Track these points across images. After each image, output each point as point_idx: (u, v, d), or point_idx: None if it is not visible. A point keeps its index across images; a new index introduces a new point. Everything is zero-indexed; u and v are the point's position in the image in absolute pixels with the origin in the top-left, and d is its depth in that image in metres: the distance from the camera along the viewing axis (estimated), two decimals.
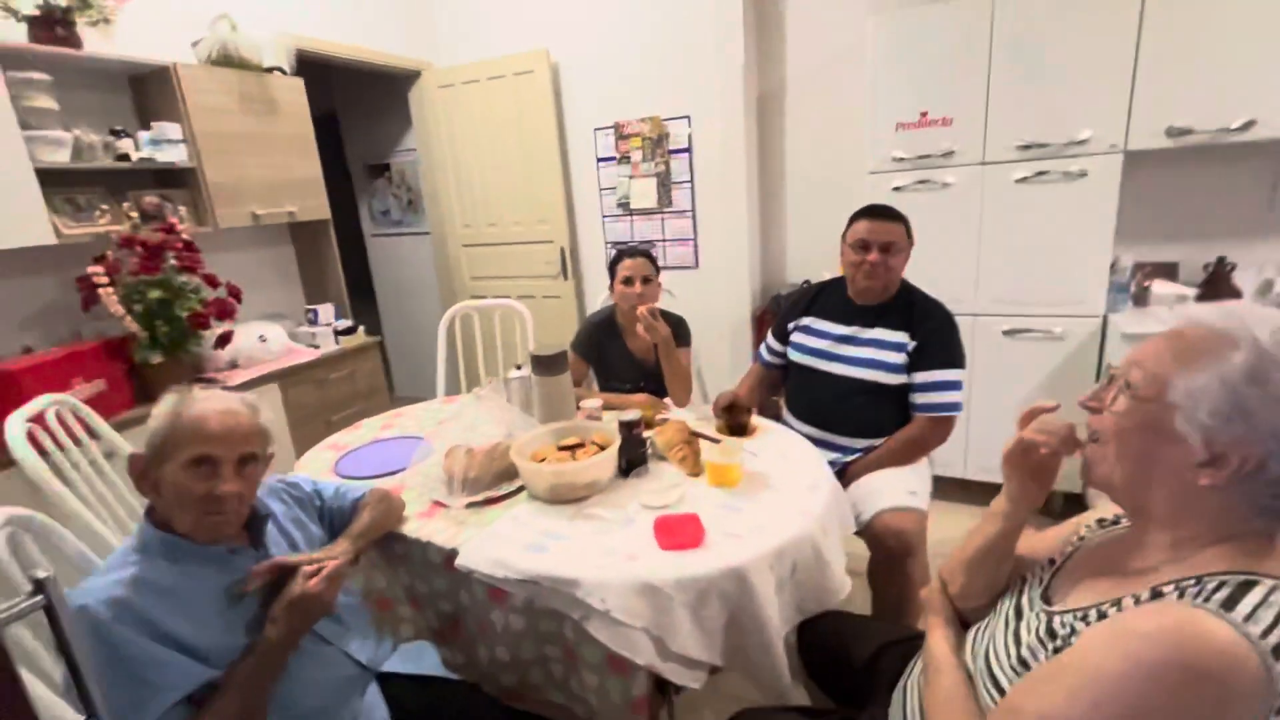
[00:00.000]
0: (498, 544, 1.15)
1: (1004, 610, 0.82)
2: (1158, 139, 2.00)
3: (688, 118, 2.93)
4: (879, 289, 1.63)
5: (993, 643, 0.79)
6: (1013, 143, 2.15)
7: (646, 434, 1.47)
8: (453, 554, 1.15)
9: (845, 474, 1.63)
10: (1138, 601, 0.65)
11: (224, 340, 2.24)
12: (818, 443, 1.60)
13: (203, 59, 2.34)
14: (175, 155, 2.18)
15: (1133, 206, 2.23)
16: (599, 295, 2.23)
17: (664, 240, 3.13)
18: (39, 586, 0.36)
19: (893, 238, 1.59)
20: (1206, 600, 0.59)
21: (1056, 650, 0.69)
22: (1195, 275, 2.26)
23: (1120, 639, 0.60)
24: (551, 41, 3.09)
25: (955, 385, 1.58)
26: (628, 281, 1.85)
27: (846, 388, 1.65)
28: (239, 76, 2.37)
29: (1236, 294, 2.14)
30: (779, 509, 1.22)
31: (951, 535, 0.96)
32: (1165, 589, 0.63)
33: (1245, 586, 0.58)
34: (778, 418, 1.81)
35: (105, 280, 1.93)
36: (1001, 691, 0.72)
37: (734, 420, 1.59)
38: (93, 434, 1.53)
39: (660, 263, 2.00)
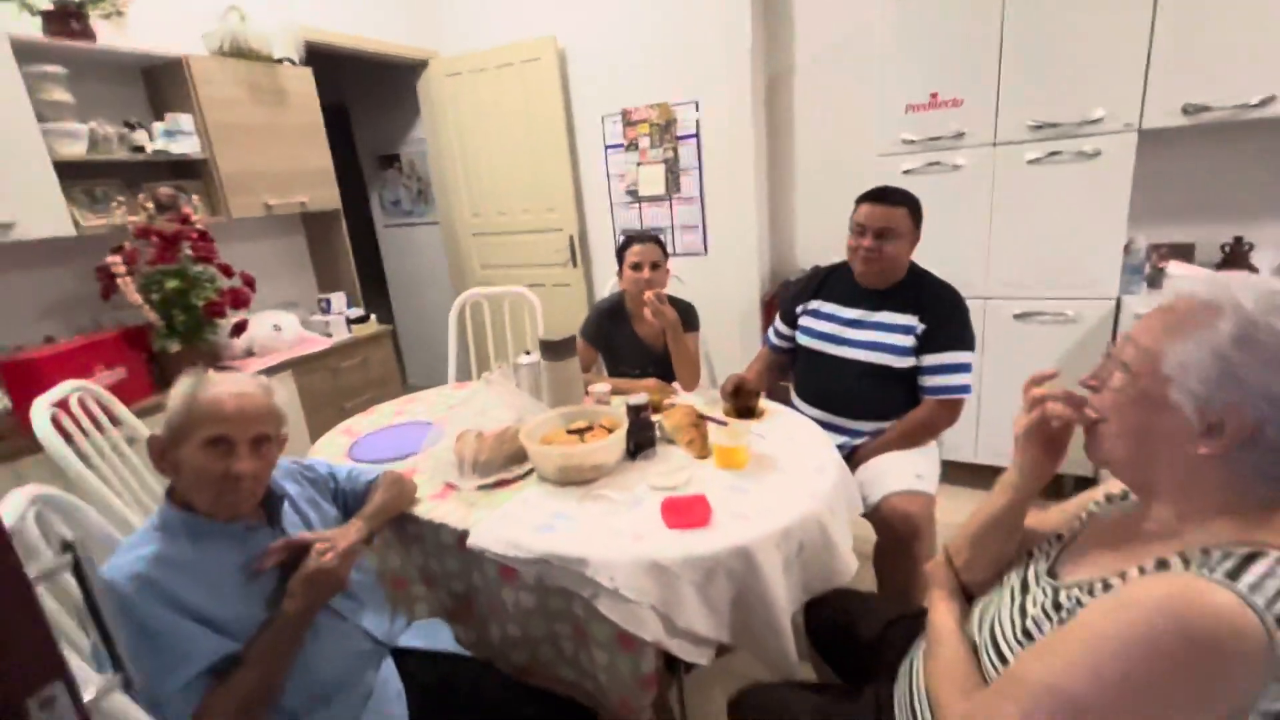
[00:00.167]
0: (508, 525, 1.17)
1: (1010, 584, 0.83)
2: (1173, 117, 1.97)
3: (695, 103, 2.91)
4: (874, 274, 1.63)
5: (998, 615, 0.79)
6: (1024, 123, 2.12)
7: (654, 417, 1.48)
8: (464, 534, 1.17)
9: (853, 457, 1.64)
10: (1142, 573, 0.65)
11: (239, 329, 2.28)
12: (826, 426, 1.61)
13: (213, 50, 2.36)
14: (188, 146, 2.20)
15: (1147, 187, 2.19)
16: (608, 283, 2.23)
17: (673, 227, 3.13)
18: (67, 547, 0.38)
19: (889, 223, 1.57)
20: (1211, 571, 0.59)
21: (1062, 622, 0.69)
22: (1212, 256, 2.23)
23: (1123, 608, 0.60)
24: (558, 28, 3.08)
25: (964, 368, 1.58)
26: (636, 267, 1.85)
27: (854, 371, 1.65)
28: (249, 67, 2.39)
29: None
30: (786, 490, 1.23)
31: (960, 519, 0.96)
32: (1170, 560, 0.64)
33: (1251, 558, 0.59)
34: (786, 402, 1.81)
35: (123, 270, 1.97)
36: (1006, 662, 0.73)
37: (742, 404, 1.60)
38: (114, 420, 1.56)
39: (669, 250, 2.01)
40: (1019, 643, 0.73)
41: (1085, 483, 2.24)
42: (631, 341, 1.97)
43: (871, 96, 2.38)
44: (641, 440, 1.40)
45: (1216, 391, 0.61)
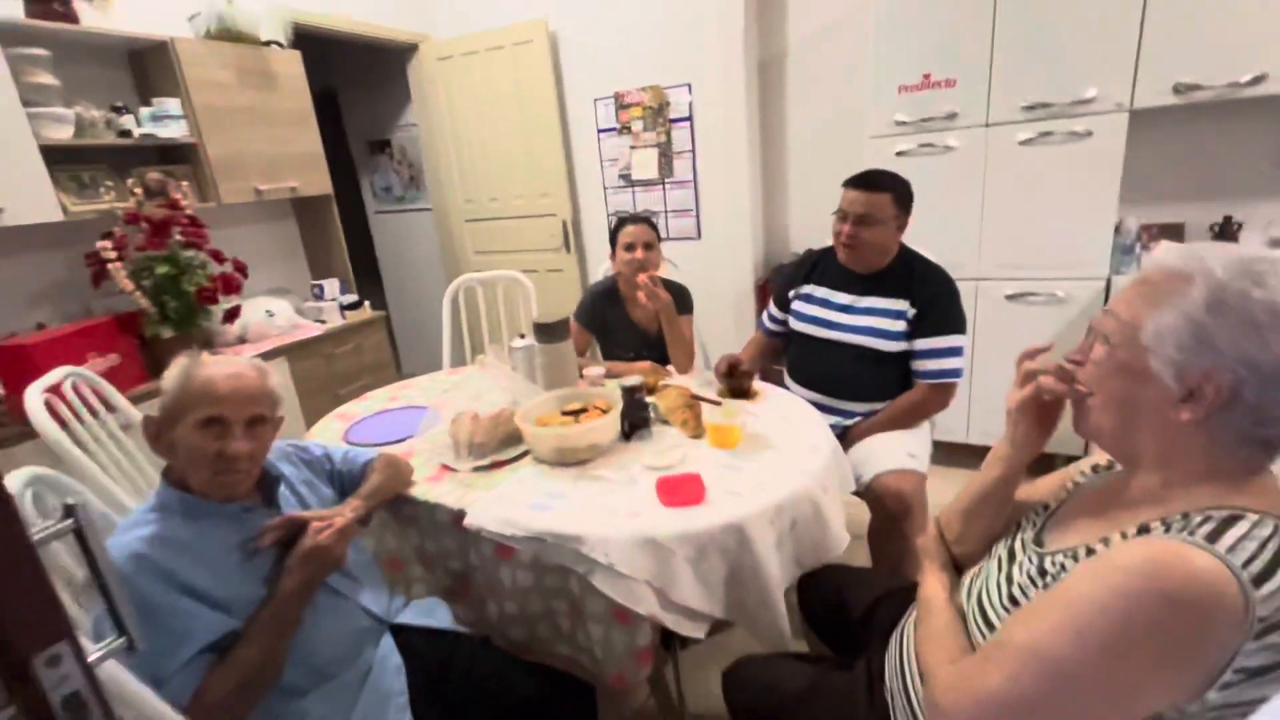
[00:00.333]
0: (505, 504, 1.18)
1: (998, 553, 0.85)
2: (1164, 96, 1.97)
3: (688, 85, 2.90)
4: (855, 260, 1.63)
5: (986, 584, 0.81)
6: (1017, 103, 2.12)
7: (649, 399, 1.49)
8: (461, 514, 1.18)
9: (846, 436, 1.65)
10: (1125, 538, 0.67)
11: (231, 315, 2.27)
12: (819, 407, 1.62)
13: (200, 33, 2.33)
14: (176, 130, 2.18)
15: (1138, 167, 2.20)
16: (601, 267, 2.23)
17: (666, 211, 3.12)
18: (69, 511, 0.39)
19: (868, 209, 1.57)
20: (1191, 534, 0.60)
21: (1046, 588, 0.71)
22: (1202, 236, 2.25)
23: (1105, 572, 0.62)
24: (550, 10, 3.05)
25: (956, 351, 1.59)
26: (629, 248, 1.85)
27: (846, 355, 1.66)
28: (237, 50, 2.36)
29: None
30: (779, 468, 1.24)
31: (952, 499, 0.98)
32: (1152, 525, 0.65)
33: (1230, 520, 0.60)
34: (780, 384, 1.83)
35: (114, 256, 1.95)
36: (993, 629, 0.75)
37: (735, 384, 1.61)
38: (109, 406, 1.56)
39: (662, 235, 2.01)
40: (1005, 609, 0.75)
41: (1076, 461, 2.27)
42: (625, 325, 1.98)
43: (865, 78, 2.37)
44: (636, 421, 1.41)
45: (1193, 357, 0.62)
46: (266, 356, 2.30)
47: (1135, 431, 0.70)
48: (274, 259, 2.87)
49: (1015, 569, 0.78)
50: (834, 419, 1.67)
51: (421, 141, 3.61)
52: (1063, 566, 0.71)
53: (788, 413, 1.51)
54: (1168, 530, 0.63)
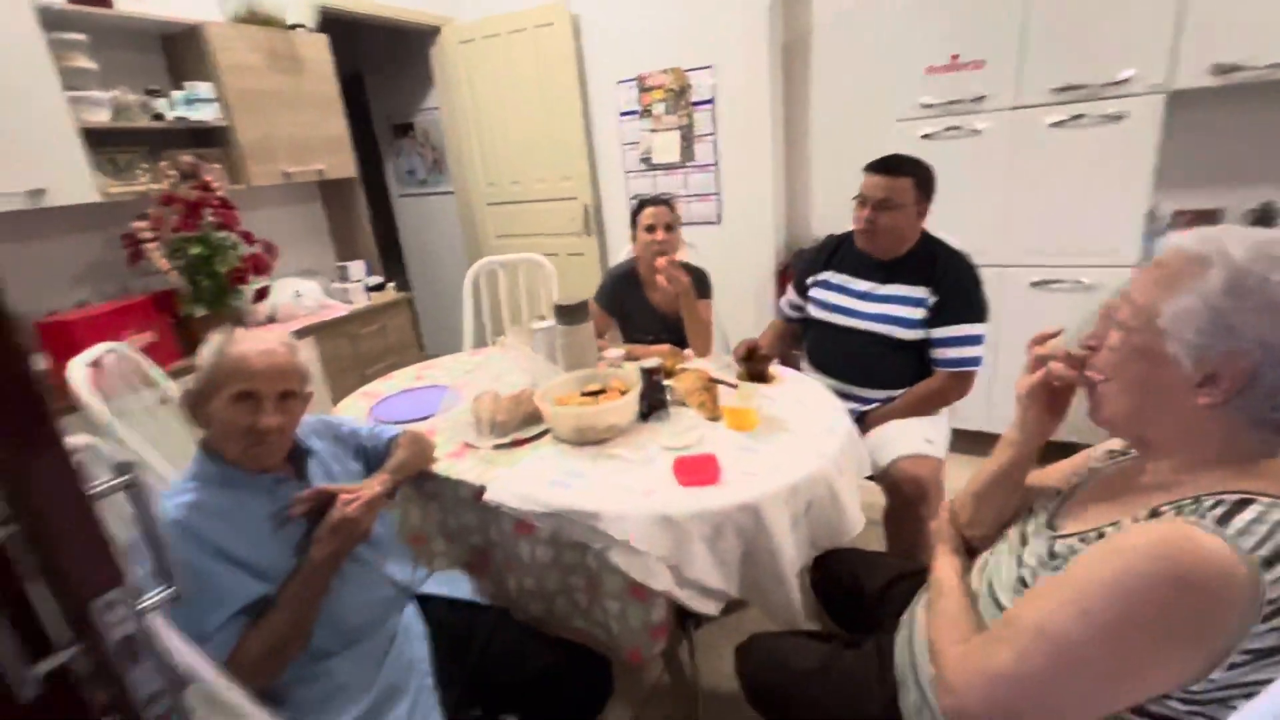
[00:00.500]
0: (524, 481, 1.21)
1: (1010, 537, 0.85)
2: (1203, 77, 1.91)
3: (711, 68, 2.87)
4: (873, 246, 1.62)
5: (997, 566, 0.82)
6: (1048, 85, 2.07)
7: (667, 381, 1.50)
8: (482, 490, 1.21)
9: (863, 421, 1.65)
10: (1136, 521, 0.67)
11: (261, 295, 2.33)
12: (837, 394, 1.62)
13: (229, 16, 2.36)
14: (208, 114, 2.23)
15: (1173, 150, 2.14)
16: (622, 251, 2.24)
17: (686, 196, 3.11)
18: (123, 468, 0.42)
19: (888, 194, 1.55)
20: (1202, 517, 0.61)
21: (1056, 570, 0.71)
22: (1238, 221, 2.18)
23: (1114, 553, 0.62)
24: None
25: (977, 340, 1.57)
26: (650, 229, 1.86)
27: (864, 342, 1.65)
28: (265, 34, 2.40)
29: None
30: (795, 450, 1.25)
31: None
32: (1163, 509, 0.65)
33: (1241, 504, 0.60)
34: (799, 370, 1.83)
35: (149, 236, 2.01)
36: (1003, 610, 0.76)
37: (754, 368, 1.62)
38: (146, 381, 1.62)
39: (683, 219, 2.01)
40: (1015, 591, 0.75)
41: None
42: (645, 308, 1.99)
43: (891, 59, 2.33)
44: (654, 402, 1.43)
45: (1211, 341, 0.62)
46: (295, 336, 2.35)
47: (1150, 417, 0.70)
48: (301, 241, 2.93)
49: (1026, 552, 0.79)
50: (851, 405, 1.67)
51: (444, 125, 3.64)
52: (1072, 550, 0.71)
53: (804, 396, 1.52)
54: (1179, 513, 0.63)
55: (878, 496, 1.57)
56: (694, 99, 2.95)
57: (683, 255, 1.91)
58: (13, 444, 0.36)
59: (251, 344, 1.00)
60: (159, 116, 2.13)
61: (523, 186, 3.48)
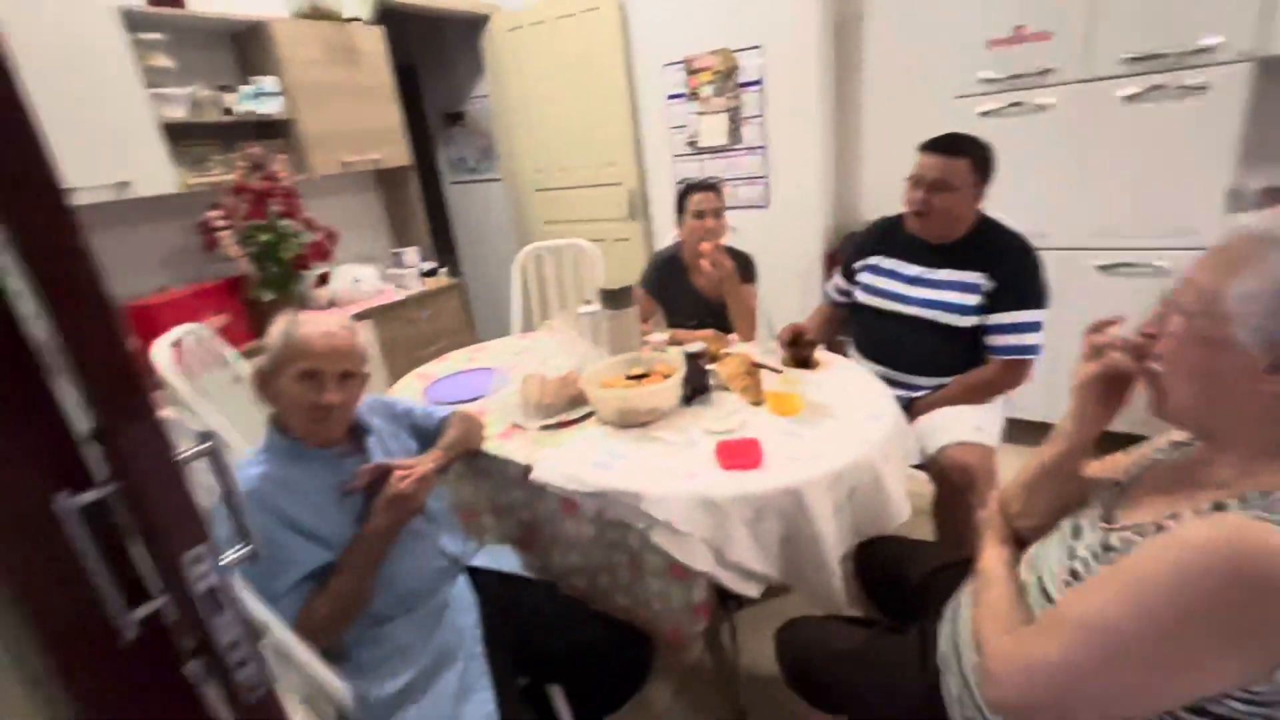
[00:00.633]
0: (569, 461, 1.25)
1: (1063, 528, 0.83)
2: None
3: (759, 48, 2.81)
4: (926, 230, 1.56)
5: (1047, 557, 0.80)
6: (1120, 56, 1.95)
7: (710, 366, 1.51)
8: (529, 469, 1.26)
9: (911, 408, 1.62)
10: (1197, 515, 0.64)
11: (323, 280, 2.44)
12: (884, 381, 1.59)
13: (292, 12, 2.46)
14: (273, 107, 2.34)
15: (1262, 123, 1.97)
16: (668, 236, 2.24)
17: (733, 179, 3.07)
18: (205, 436, 0.46)
19: (943, 175, 1.49)
20: (1270, 510, 0.58)
21: (1110, 563, 0.69)
22: None
23: (1170, 547, 0.60)
24: None
25: (1035, 327, 1.51)
26: (699, 215, 1.85)
27: (914, 329, 1.61)
28: (325, 28, 2.49)
29: None
30: (839, 436, 1.25)
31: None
32: (1228, 502, 0.63)
33: None
34: (846, 356, 1.80)
35: (222, 225, 2.14)
36: (1051, 602, 0.74)
37: (798, 354, 1.60)
38: (222, 361, 1.73)
39: (730, 203, 1.99)
40: (1066, 584, 0.74)
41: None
42: (688, 294, 1.99)
43: (949, 33, 2.23)
44: (697, 386, 1.44)
45: (1278, 324, 0.59)
46: (354, 319, 2.46)
47: (1215, 406, 0.67)
48: (359, 228, 3.05)
49: (1079, 544, 0.77)
50: (899, 392, 1.63)
51: (493, 112, 3.69)
52: (1128, 542, 0.69)
53: (850, 383, 1.50)
54: (1245, 507, 0.60)
55: (927, 486, 1.54)
56: (742, 80, 2.90)
57: (726, 240, 1.90)
58: (115, 413, 0.40)
59: (314, 326, 1.06)
60: (229, 111, 2.24)
61: (569, 172, 3.51)
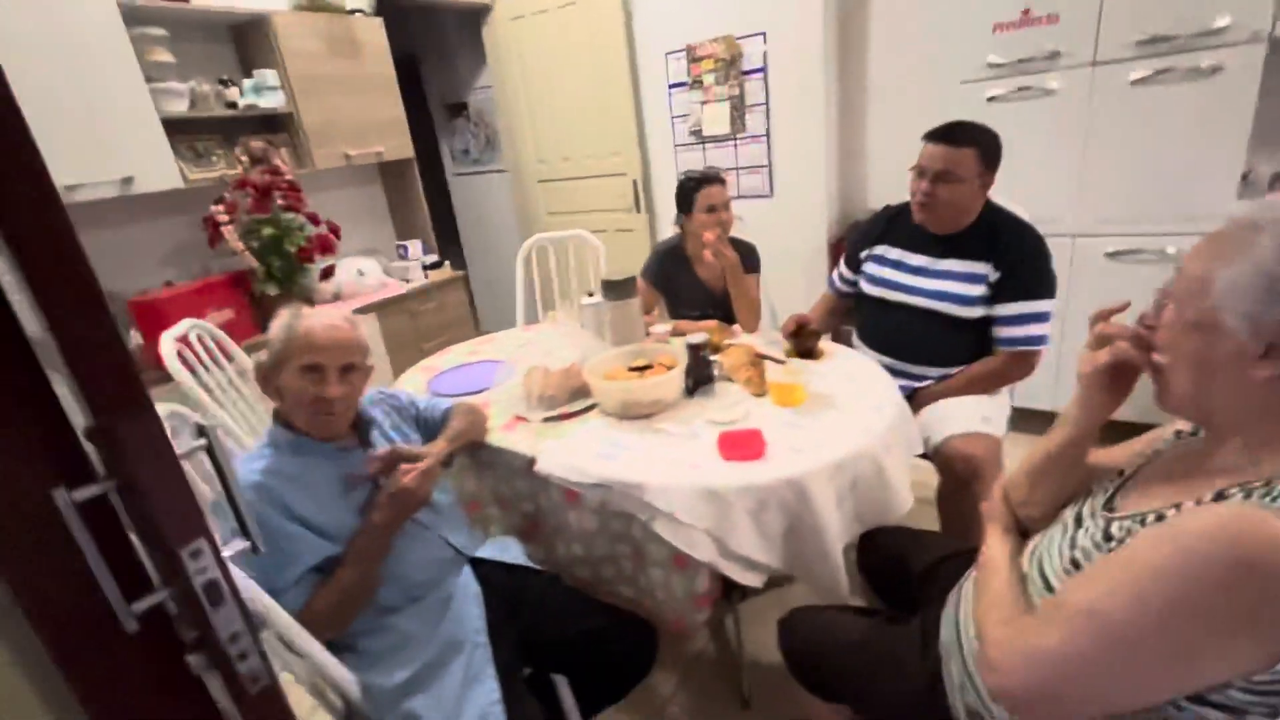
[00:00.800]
0: (572, 453, 1.25)
1: (1065, 518, 0.83)
2: None
3: (763, 34, 2.78)
4: (931, 220, 1.54)
5: (1049, 547, 0.80)
6: (1131, 38, 1.91)
7: (713, 357, 1.50)
8: (532, 460, 1.26)
9: (915, 399, 1.61)
10: (1199, 504, 0.64)
11: (327, 273, 2.45)
12: (889, 370, 1.58)
13: (292, 5, 2.45)
14: (274, 101, 2.33)
15: (1276, 105, 1.94)
16: (670, 228, 2.23)
17: (737, 168, 3.05)
18: (202, 431, 0.46)
19: (948, 165, 1.47)
20: (1273, 500, 0.57)
21: (1110, 552, 0.69)
22: None
23: (1171, 536, 0.60)
24: None
25: (1042, 317, 1.50)
26: (712, 209, 1.83)
27: (919, 319, 1.60)
28: (326, 20, 2.48)
29: None
30: (841, 427, 1.24)
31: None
32: (1230, 492, 0.62)
33: None
34: (848, 345, 1.79)
35: (226, 219, 2.14)
36: (1052, 591, 0.74)
37: (802, 344, 1.60)
38: (226, 355, 1.74)
39: (733, 192, 1.97)
40: (1066, 573, 0.73)
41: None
42: (692, 284, 1.99)
43: (955, 18, 2.20)
44: (700, 377, 1.44)
45: (1268, 309, 0.59)
46: (358, 313, 2.48)
47: (1211, 393, 0.66)
48: (362, 221, 3.05)
49: (1081, 533, 0.76)
50: (903, 382, 1.62)
51: (496, 103, 3.68)
52: (1130, 531, 0.69)
53: (854, 373, 1.49)
54: (1247, 497, 0.60)
55: (932, 476, 1.54)
56: (745, 68, 2.87)
57: (731, 229, 1.89)
58: (111, 412, 0.41)
59: (316, 320, 1.07)
60: (231, 105, 2.24)
61: (573, 163, 3.49)
